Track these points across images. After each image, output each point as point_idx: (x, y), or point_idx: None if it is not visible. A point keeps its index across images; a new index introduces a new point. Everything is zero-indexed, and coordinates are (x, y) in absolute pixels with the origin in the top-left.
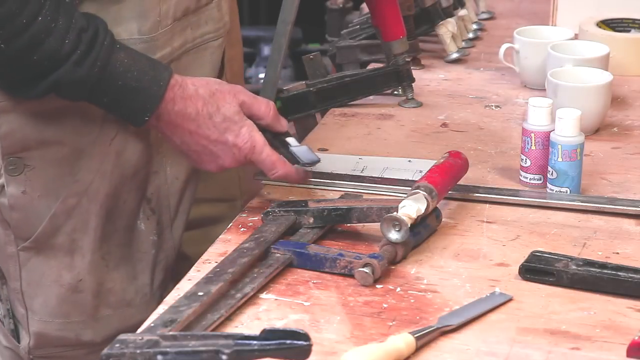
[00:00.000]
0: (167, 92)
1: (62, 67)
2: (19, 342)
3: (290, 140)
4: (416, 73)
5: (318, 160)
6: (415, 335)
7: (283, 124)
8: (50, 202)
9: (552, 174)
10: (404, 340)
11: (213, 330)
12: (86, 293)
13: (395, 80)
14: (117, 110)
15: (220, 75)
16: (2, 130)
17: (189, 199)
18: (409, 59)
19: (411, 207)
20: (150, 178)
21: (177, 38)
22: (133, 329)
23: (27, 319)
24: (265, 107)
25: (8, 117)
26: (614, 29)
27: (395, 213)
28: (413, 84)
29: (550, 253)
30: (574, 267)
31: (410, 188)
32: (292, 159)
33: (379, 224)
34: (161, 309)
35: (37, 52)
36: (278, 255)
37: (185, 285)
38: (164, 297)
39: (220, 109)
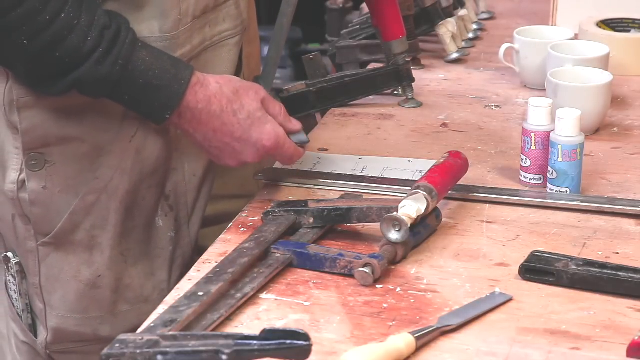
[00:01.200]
0: (189, 90)
1: (84, 65)
2: (36, 336)
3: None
4: (416, 73)
5: (307, 141)
6: (415, 335)
7: (295, 124)
8: (71, 198)
9: (552, 174)
10: (404, 340)
11: (213, 330)
12: (105, 289)
13: (395, 80)
14: (138, 108)
15: (238, 72)
16: (24, 125)
17: (205, 195)
18: (409, 59)
19: (411, 207)
20: (168, 175)
21: (197, 36)
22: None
23: (45, 314)
24: (278, 108)
25: (30, 112)
26: (614, 29)
27: (395, 213)
28: (413, 84)
29: (550, 253)
30: (574, 267)
31: (410, 188)
32: None
33: (379, 224)
34: (161, 309)
35: (60, 49)
36: (278, 255)
37: (185, 285)
38: None
39: (244, 106)
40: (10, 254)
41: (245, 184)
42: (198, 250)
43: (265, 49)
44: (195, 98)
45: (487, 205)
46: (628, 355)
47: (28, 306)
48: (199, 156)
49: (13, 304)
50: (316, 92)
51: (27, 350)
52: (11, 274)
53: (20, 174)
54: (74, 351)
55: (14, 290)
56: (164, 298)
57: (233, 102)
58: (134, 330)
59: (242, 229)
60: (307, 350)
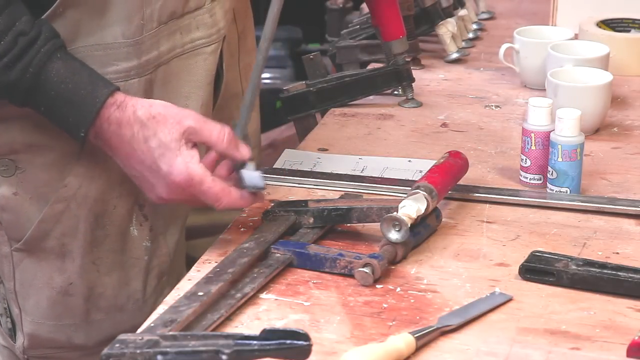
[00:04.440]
0: (103, 110)
1: None
2: (15, 341)
3: (249, 164)
4: (416, 73)
5: (262, 188)
6: (415, 335)
7: (243, 152)
8: (41, 205)
9: (552, 174)
10: (404, 340)
11: (213, 330)
12: (77, 297)
13: (395, 80)
14: (55, 121)
15: (218, 81)
16: None
17: (185, 205)
18: (408, 59)
19: (411, 207)
20: None
21: (165, 42)
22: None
23: (20, 318)
24: (218, 133)
25: None
26: (614, 29)
27: (395, 213)
28: (413, 84)
29: (550, 253)
30: (574, 267)
31: (410, 188)
32: (239, 181)
33: (379, 224)
34: (161, 309)
35: None
36: (278, 255)
37: (185, 285)
38: (158, 304)
39: (157, 134)
40: None
41: None
42: (188, 262)
43: None
44: (107, 119)
45: (487, 205)
46: (628, 355)
47: (7, 310)
48: None
49: None
50: (316, 92)
51: (7, 354)
52: None
53: None
54: (51, 356)
55: None
56: (140, 307)
57: (145, 128)
58: (108, 339)
59: (242, 229)
60: (307, 350)
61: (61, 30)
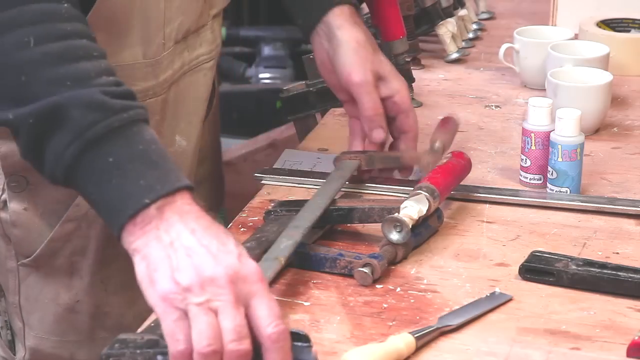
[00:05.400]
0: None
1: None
2: (14, 354)
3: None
4: (416, 73)
5: None
6: (415, 335)
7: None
8: (52, 221)
9: (552, 174)
10: (404, 340)
11: None
12: (83, 314)
13: None
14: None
15: (211, 96)
16: (2, 150)
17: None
18: (409, 59)
19: (413, 208)
20: None
21: (177, 60)
22: None
23: (23, 332)
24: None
25: (7, 139)
26: (614, 29)
27: (396, 214)
28: (413, 84)
29: (550, 253)
30: (574, 267)
31: (412, 188)
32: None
33: (379, 224)
34: None
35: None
36: None
37: None
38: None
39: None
40: None
41: (210, 197)
42: None
43: (265, 49)
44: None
45: (487, 205)
46: (628, 355)
47: (7, 323)
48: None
49: None
50: (316, 92)
51: None
52: None
53: (2, 194)
54: None
55: None
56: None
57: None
58: None
59: (242, 229)
60: (308, 351)
61: None
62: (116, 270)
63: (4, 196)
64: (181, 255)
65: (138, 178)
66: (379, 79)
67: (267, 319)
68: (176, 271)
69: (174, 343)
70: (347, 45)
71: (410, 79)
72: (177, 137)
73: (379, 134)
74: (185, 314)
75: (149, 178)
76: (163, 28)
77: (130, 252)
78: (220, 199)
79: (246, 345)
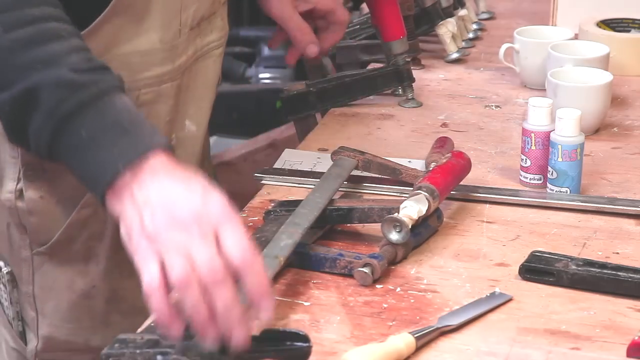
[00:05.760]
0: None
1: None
2: (26, 344)
3: None
4: (416, 73)
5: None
6: (415, 335)
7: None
8: (68, 209)
9: (552, 174)
10: (404, 340)
11: None
12: (98, 299)
13: (396, 80)
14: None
15: (218, 83)
16: None
17: None
18: (409, 59)
19: (412, 208)
20: None
21: (191, 46)
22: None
23: (37, 322)
24: None
25: None
26: (614, 29)
27: (396, 214)
28: (413, 84)
29: (550, 253)
30: (574, 267)
31: (411, 188)
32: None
33: (379, 224)
34: None
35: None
36: None
37: None
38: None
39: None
40: (1, 263)
41: None
42: None
43: (265, 49)
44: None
45: (487, 205)
46: (628, 355)
47: (19, 314)
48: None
49: (4, 310)
50: (316, 92)
51: (17, 357)
52: (2, 283)
53: (17, 183)
54: (63, 359)
55: (5, 298)
56: None
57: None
58: None
59: None
60: (307, 351)
61: (103, 38)
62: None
63: (20, 185)
64: (151, 208)
65: (111, 147)
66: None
67: (235, 246)
68: (146, 222)
69: (147, 276)
70: None
71: (410, 79)
72: (187, 121)
73: (311, 49)
74: (160, 261)
75: (121, 145)
76: (180, 14)
77: (116, 219)
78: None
79: (220, 274)
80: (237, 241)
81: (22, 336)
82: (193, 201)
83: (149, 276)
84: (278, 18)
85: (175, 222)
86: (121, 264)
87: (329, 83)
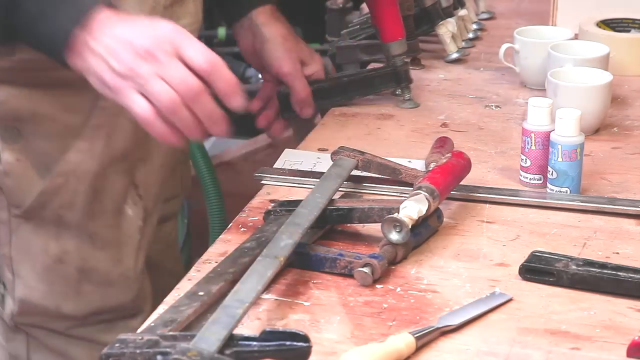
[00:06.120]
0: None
1: None
2: (4, 309)
3: None
4: (416, 73)
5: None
6: (415, 335)
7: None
8: (42, 173)
9: (552, 174)
10: (404, 340)
11: None
12: (70, 266)
13: (394, 81)
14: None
15: None
16: None
17: (170, 187)
18: (407, 60)
19: (412, 208)
20: (138, 164)
21: None
22: (114, 308)
23: (13, 284)
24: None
25: (2, 85)
26: (614, 29)
27: (396, 214)
28: (413, 84)
29: (550, 253)
30: (574, 267)
31: (411, 188)
32: None
33: (379, 224)
34: (161, 308)
35: None
36: None
37: (185, 285)
38: (143, 283)
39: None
40: None
41: (171, 186)
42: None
43: None
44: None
45: (487, 205)
46: (628, 355)
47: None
48: (168, 148)
49: None
50: (315, 91)
51: None
52: None
53: None
54: (39, 325)
55: None
56: (129, 285)
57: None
58: (96, 312)
59: (242, 229)
60: (307, 351)
61: None
62: (103, 227)
63: None
64: (113, 52)
65: (60, 14)
66: (302, 63)
67: (198, 57)
68: (113, 65)
69: (139, 110)
70: (274, 41)
71: (407, 80)
72: None
73: (308, 112)
74: (141, 92)
75: (67, 11)
76: None
77: (85, 77)
78: (187, 180)
79: (196, 87)
80: (198, 52)
81: (2, 301)
82: (146, 32)
83: (140, 109)
84: (288, 75)
85: (140, 55)
86: (93, 235)
87: (326, 82)
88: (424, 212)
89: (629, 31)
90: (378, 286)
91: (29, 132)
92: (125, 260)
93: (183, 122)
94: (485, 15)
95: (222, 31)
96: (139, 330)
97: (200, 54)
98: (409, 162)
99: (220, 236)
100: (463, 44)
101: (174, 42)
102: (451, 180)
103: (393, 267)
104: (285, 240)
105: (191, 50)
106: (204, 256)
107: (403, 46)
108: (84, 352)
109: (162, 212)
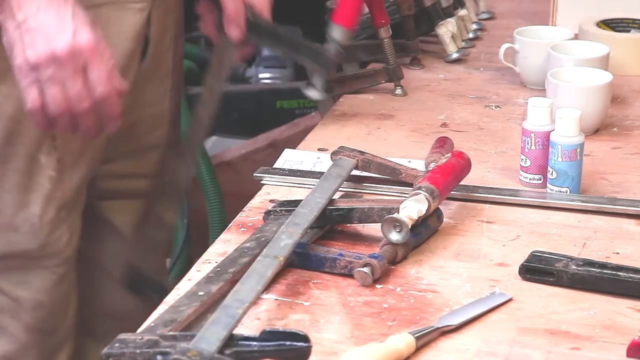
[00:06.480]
0: None
1: None
2: None
3: None
4: (416, 73)
5: None
6: (415, 335)
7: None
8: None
9: (552, 174)
10: (404, 340)
11: None
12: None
13: (313, 60)
14: None
15: (145, 43)
16: None
17: (97, 151)
18: (335, 52)
19: (412, 208)
20: None
21: None
22: (18, 255)
23: None
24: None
25: None
26: (614, 29)
27: (396, 214)
28: (413, 84)
29: (550, 253)
30: (574, 267)
31: (411, 188)
32: None
33: (379, 224)
34: (161, 308)
35: None
36: None
37: (185, 285)
38: (53, 235)
39: None
40: None
41: (150, 164)
42: (104, 220)
43: (265, 49)
44: None
45: (487, 205)
46: (628, 355)
47: None
48: None
49: None
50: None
51: None
52: None
53: None
54: None
55: None
56: (34, 233)
57: None
58: (1, 255)
59: (242, 229)
60: (307, 351)
61: None
62: (13, 170)
63: None
64: (30, 36)
65: None
66: None
67: (96, 82)
68: (28, 52)
69: (30, 100)
70: None
71: (398, 77)
72: None
73: (235, 33)
74: (40, 87)
75: None
76: None
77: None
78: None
79: (86, 105)
80: (101, 77)
81: None
82: (66, 38)
83: (30, 99)
84: None
85: (52, 58)
86: (3, 177)
87: (264, 23)
88: (424, 212)
89: (629, 31)
90: (378, 286)
91: None
92: (31, 207)
93: (62, 127)
94: (485, 15)
95: None
96: (139, 330)
97: (101, 81)
98: (409, 162)
99: (220, 236)
100: (463, 44)
101: (87, 59)
102: (451, 180)
103: (393, 267)
104: (285, 240)
105: (96, 73)
106: (204, 256)
107: (345, 37)
108: None
109: (128, 186)
